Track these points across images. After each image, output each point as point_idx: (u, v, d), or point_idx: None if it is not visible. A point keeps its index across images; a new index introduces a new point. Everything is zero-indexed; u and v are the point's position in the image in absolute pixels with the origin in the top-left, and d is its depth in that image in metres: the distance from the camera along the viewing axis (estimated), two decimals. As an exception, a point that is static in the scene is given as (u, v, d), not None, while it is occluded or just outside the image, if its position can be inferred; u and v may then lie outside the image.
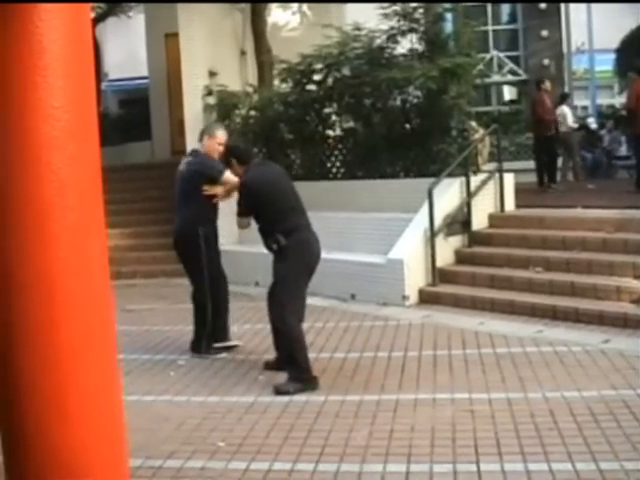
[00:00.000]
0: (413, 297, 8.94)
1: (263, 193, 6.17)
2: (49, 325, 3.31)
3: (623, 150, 17.70)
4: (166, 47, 16.70)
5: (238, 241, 11.55)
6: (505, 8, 24.07)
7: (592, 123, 19.06)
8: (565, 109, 15.33)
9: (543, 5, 22.25)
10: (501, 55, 23.23)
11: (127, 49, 24.61)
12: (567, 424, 4.91)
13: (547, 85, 14.51)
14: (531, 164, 14.77)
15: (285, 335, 6.12)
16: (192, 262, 7.26)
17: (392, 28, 10.78)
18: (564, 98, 16.12)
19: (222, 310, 7.34)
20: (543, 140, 14.08)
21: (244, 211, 6.25)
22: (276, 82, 12.81)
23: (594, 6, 24.80)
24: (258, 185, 6.21)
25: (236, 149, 6.67)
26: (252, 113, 12.50)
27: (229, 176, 6.88)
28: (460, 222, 9.63)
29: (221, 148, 7.19)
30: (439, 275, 9.12)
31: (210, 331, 7.22)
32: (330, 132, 11.93)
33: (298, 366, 6.02)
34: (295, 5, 15.31)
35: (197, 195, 7.07)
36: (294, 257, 6.07)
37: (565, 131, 15.12)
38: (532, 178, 13.98)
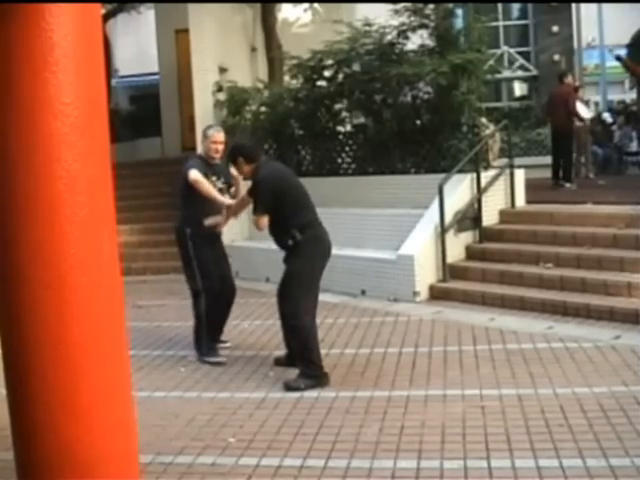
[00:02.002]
0: (424, 293, 8.93)
1: (278, 189, 6.09)
2: (60, 321, 3.32)
3: (634, 146, 17.63)
4: (176, 43, 16.68)
5: (249, 237, 11.57)
6: (516, 4, 24.03)
7: (608, 118, 18.97)
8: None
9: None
10: (511, 51, 23.19)
11: (137, 45, 24.59)
12: (578, 420, 4.90)
13: (570, 79, 14.35)
14: (541, 160, 14.65)
15: (298, 331, 6.07)
16: (184, 262, 7.16)
17: (402, 24, 10.74)
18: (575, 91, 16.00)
19: (219, 310, 7.15)
20: (569, 135, 13.87)
21: (261, 208, 6.09)
22: (286, 78, 12.81)
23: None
24: (273, 180, 6.14)
25: (242, 147, 6.46)
26: (262, 109, 12.50)
27: (194, 176, 6.83)
28: (471, 218, 9.61)
29: (216, 146, 7.11)
30: (450, 271, 9.10)
31: (206, 327, 7.01)
32: (340, 128, 11.90)
33: (311, 362, 6.01)
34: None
35: (186, 196, 7.01)
36: (309, 253, 6.05)
37: (578, 126, 15.01)
38: (543, 174, 13.89)
